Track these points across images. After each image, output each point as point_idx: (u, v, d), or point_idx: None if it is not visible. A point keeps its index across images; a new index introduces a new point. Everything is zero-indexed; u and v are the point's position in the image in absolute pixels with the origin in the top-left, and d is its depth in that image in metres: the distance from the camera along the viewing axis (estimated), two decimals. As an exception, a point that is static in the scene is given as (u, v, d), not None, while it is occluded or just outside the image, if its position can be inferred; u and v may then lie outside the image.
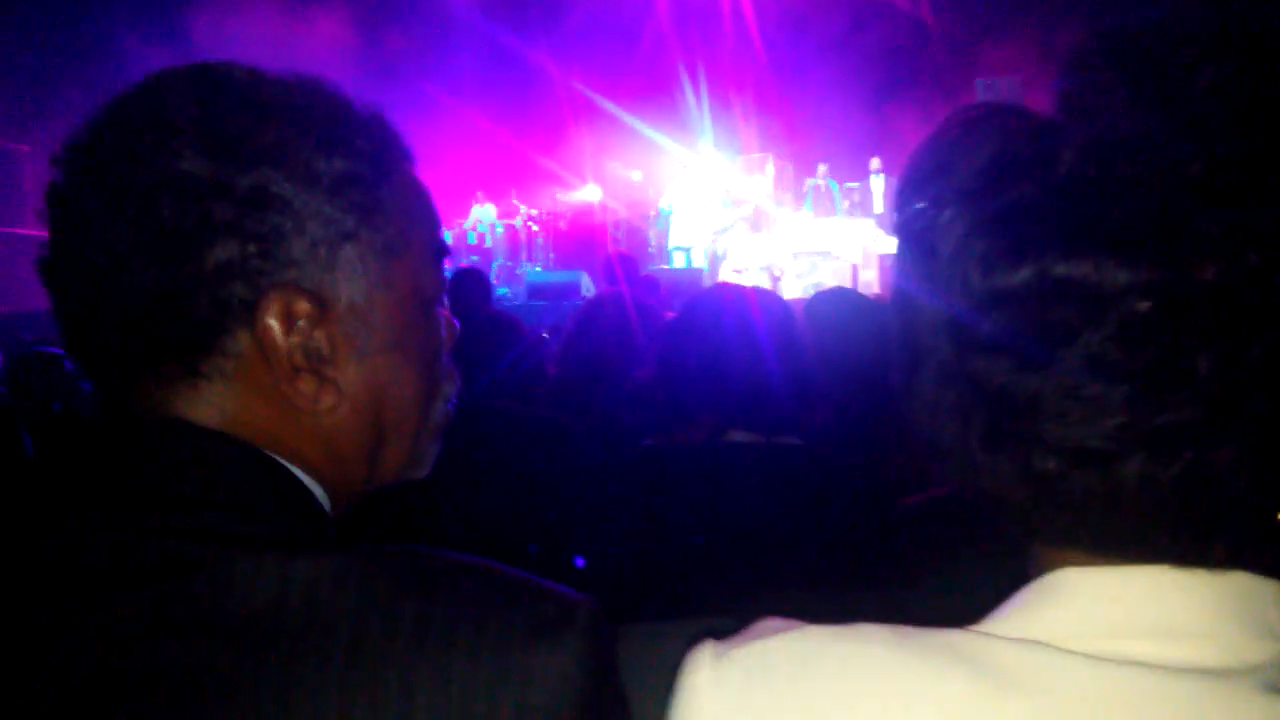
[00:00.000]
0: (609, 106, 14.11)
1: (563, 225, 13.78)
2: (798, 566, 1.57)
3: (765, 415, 1.62)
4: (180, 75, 0.72)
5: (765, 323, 1.68)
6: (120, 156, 0.69)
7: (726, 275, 11.07)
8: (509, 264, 13.36)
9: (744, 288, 1.81)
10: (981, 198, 0.56)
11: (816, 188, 12.72)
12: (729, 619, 1.38)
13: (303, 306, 0.71)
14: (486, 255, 13.27)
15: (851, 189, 12.79)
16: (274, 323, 0.70)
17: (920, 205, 0.60)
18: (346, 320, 0.74)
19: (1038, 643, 0.55)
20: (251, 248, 0.69)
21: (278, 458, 0.71)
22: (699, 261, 11.95)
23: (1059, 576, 0.57)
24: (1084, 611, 0.55)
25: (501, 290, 12.28)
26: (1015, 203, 0.54)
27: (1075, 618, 0.55)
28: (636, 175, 14.16)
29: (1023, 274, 0.53)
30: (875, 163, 12.82)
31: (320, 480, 0.74)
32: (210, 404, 0.70)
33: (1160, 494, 0.52)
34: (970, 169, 0.57)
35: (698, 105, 14.21)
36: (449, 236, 13.53)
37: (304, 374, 0.72)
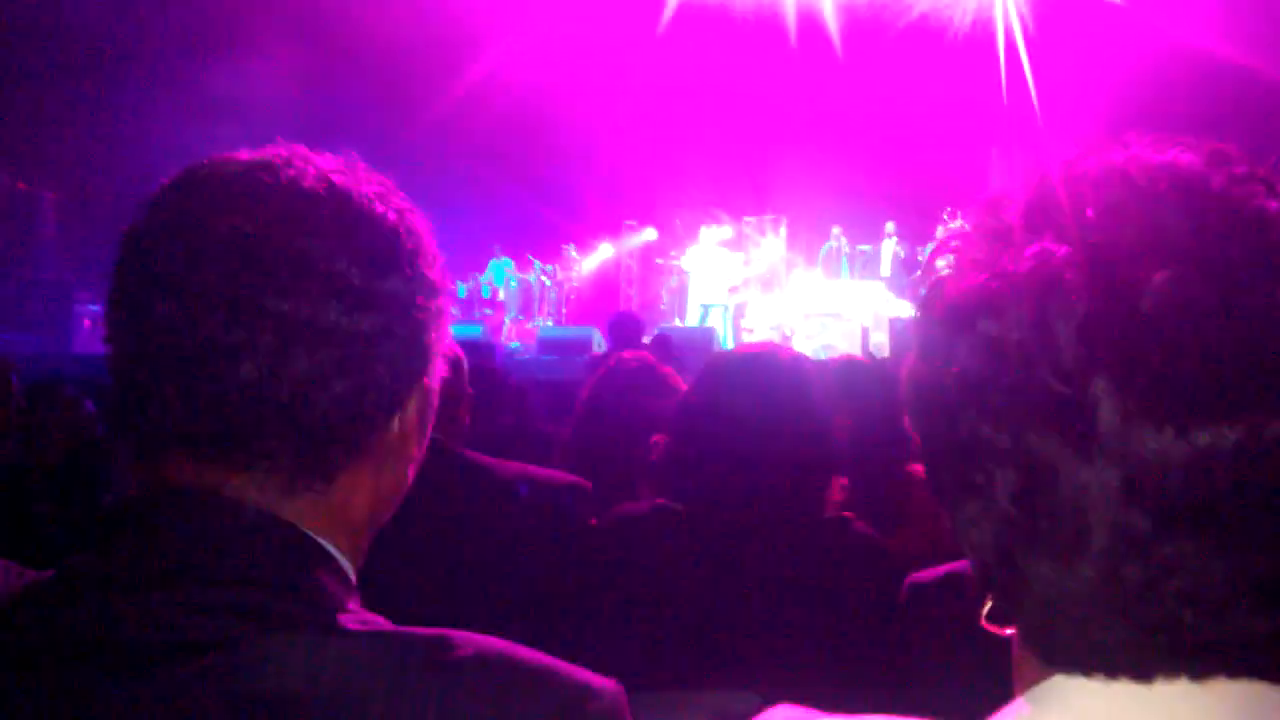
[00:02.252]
0: (626, 165, 14.30)
1: (575, 281, 13.88)
2: (809, 642, 1.56)
3: (780, 490, 1.62)
4: (303, 175, 0.75)
5: (789, 395, 1.67)
6: (264, 250, 0.70)
7: (737, 334, 11.13)
8: (521, 319, 13.44)
9: (768, 354, 1.75)
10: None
11: (831, 249, 12.83)
12: (741, 695, 1.38)
13: (427, 396, 0.80)
14: (499, 309, 13.36)
15: (864, 251, 12.87)
16: (414, 414, 0.78)
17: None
18: (430, 404, 0.81)
19: None
20: (412, 349, 0.76)
21: (313, 535, 0.73)
22: (717, 319, 12.05)
23: (1057, 685, 0.57)
24: None
25: (513, 345, 12.32)
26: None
27: None
28: (651, 233, 14.29)
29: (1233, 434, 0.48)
30: (890, 226, 12.92)
31: (342, 554, 0.76)
32: (254, 485, 0.71)
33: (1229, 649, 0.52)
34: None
35: (714, 165, 14.39)
36: (464, 290, 13.66)
37: (415, 458, 0.80)
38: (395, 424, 0.77)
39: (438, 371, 0.81)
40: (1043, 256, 0.53)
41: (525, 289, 13.68)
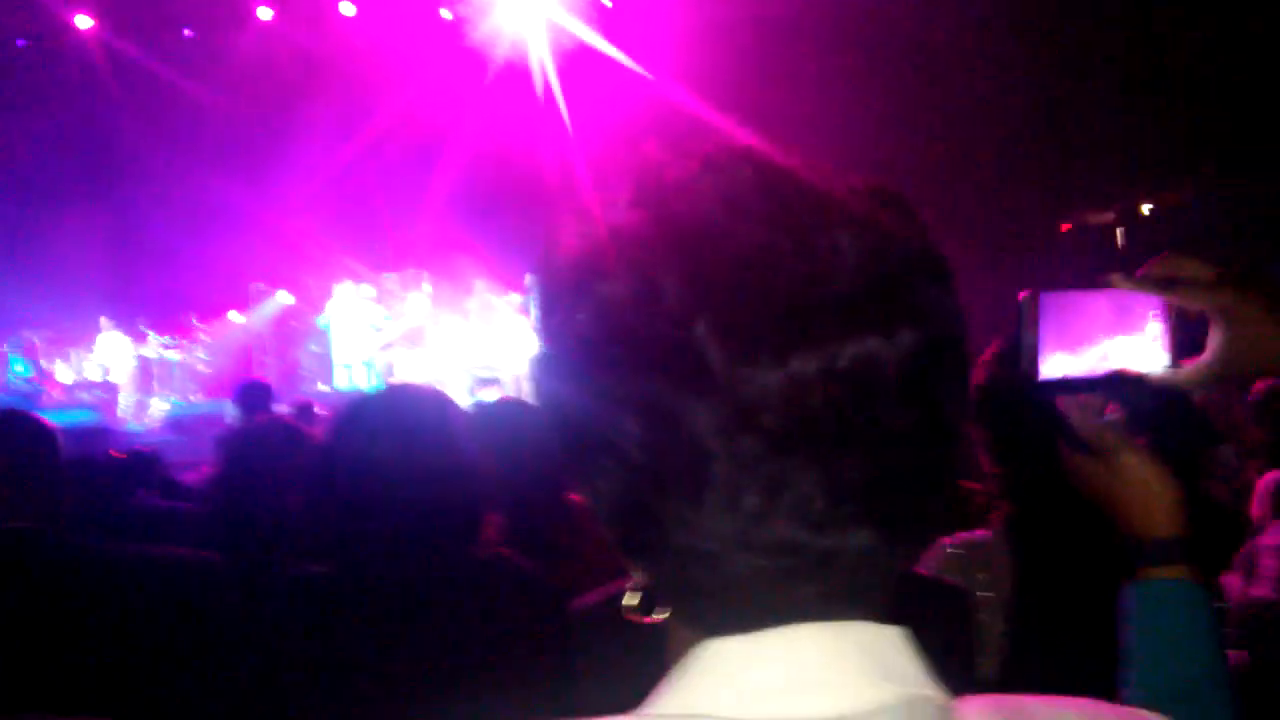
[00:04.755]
0: (248, 225, 13.47)
1: (202, 353, 12.80)
2: (475, 683, 1.50)
3: (428, 533, 1.54)
4: None
5: (429, 432, 1.61)
6: None
7: (388, 394, 10.82)
8: (142, 398, 12.14)
9: (406, 391, 1.69)
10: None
11: (477, 303, 12.87)
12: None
13: None
14: (112, 391, 11.98)
15: (513, 304, 13.06)
16: None
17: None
18: None
19: (694, 715, 0.57)
20: None
21: None
22: (363, 379, 11.68)
23: (703, 650, 0.59)
24: (729, 679, 0.58)
25: (133, 427, 11.11)
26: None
27: (722, 686, 0.57)
28: (285, 297, 13.54)
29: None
30: (531, 279, 13.19)
31: None
32: None
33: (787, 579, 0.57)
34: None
35: (346, 223, 13.94)
36: (70, 372, 12.14)
37: None
38: None
39: None
40: (643, 222, 0.60)
41: (144, 365, 12.38)
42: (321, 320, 12.40)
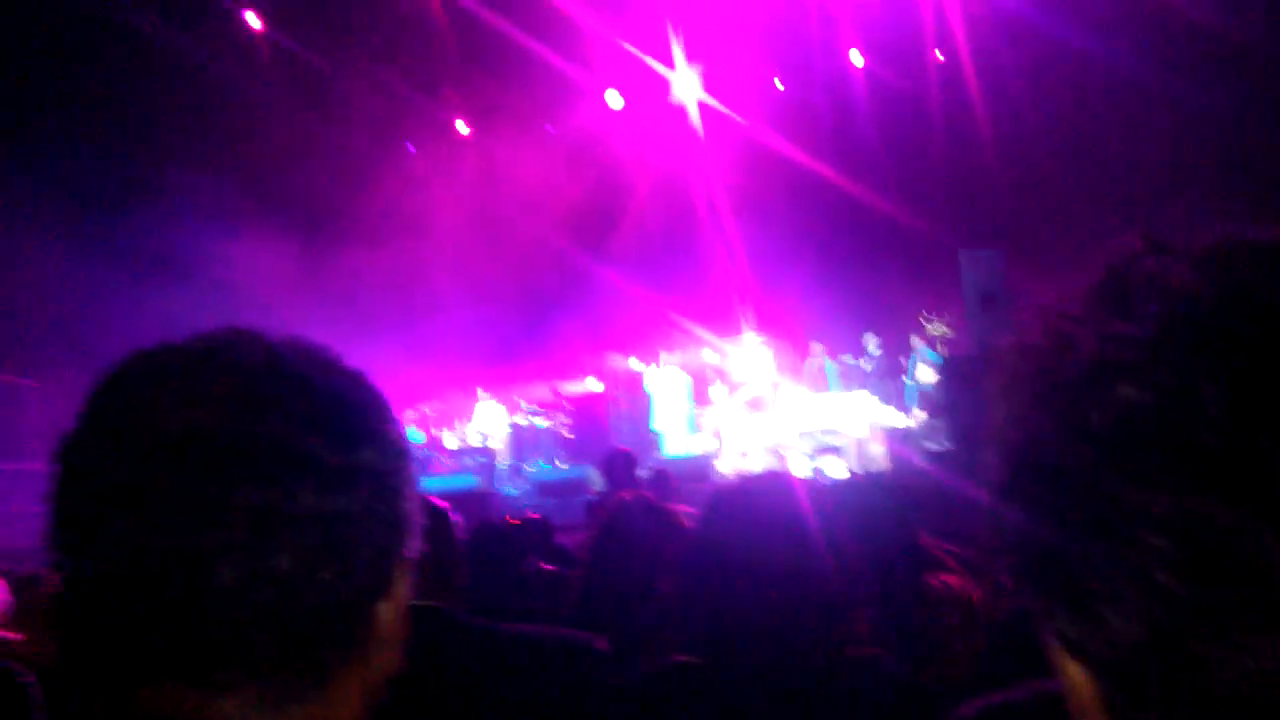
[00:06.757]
0: (606, 301, 14.50)
1: (565, 420, 13.83)
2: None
3: (800, 634, 1.53)
4: (252, 355, 0.70)
5: (797, 531, 1.60)
6: (225, 441, 0.65)
7: (732, 459, 11.03)
8: (516, 463, 13.31)
9: (774, 482, 1.70)
10: None
11: (815, 366, 12.87)
12: None
13: (411, 572, 0.74)
14: (490, 456, 13.24)
15: (850, 365, 12.92)
16: (401, 595, 0.73)
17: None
18: (411, 580, 0.76)
19: None
20: (394, 523, 0.71)
21: None
22: (689, 444, 12.06)
23: None
24: None
25: (509, 490, 12.17)
26: None
27: None
28: (635, 364, 14.34)
29: None
30: (871, 339, 13.02)
31: None
32: (242, 708, 0.64)
33: None
34: None
35: (694, 288, 14.58)
36: (455, 439, 13.57)
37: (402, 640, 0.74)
38: (386, 609, 0.71)
39: (416, 543, 0.75)
40: (1167, 318, 0.52)
41: (517, 432, 13.59)
42: (648, 387, 13.01)
